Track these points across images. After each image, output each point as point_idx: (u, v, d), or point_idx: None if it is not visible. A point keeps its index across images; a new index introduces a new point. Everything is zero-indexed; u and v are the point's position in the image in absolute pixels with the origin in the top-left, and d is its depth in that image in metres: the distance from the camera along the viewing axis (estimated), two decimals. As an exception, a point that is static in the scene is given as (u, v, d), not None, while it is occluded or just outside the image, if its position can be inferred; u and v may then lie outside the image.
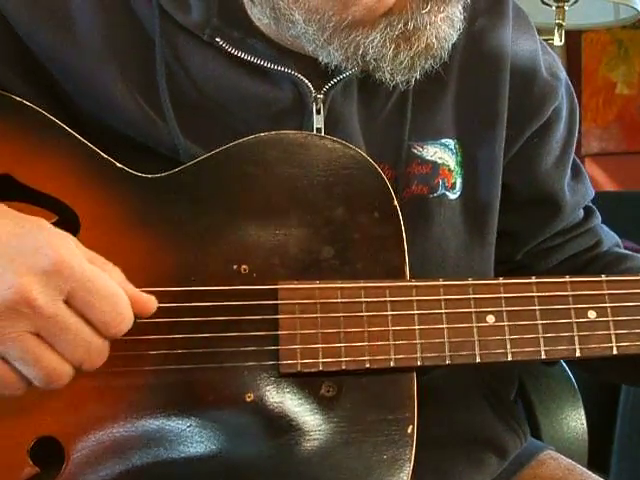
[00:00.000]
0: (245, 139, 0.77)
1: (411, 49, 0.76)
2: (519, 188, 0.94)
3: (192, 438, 0.72)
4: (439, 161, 0.87)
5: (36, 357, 0.63)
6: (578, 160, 1.01)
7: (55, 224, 0.74)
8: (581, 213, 1.00)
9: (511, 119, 0.90)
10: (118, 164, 0.77)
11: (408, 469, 0.71)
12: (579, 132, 0.98)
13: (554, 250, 0.98)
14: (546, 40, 2.01)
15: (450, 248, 0.88)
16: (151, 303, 0.69)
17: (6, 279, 0.61)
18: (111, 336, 0.65)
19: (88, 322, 0.64)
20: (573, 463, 0.97)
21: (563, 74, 0.96)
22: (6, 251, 0.61)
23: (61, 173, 0.76)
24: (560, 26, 1.94)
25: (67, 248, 0.63)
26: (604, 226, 1.02)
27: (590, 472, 0.96)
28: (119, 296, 0.65)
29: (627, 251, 1.01)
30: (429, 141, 0.87)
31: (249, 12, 0.82)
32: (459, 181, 0.89)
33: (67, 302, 0.63)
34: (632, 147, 3.23)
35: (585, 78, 3.30)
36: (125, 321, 0.65)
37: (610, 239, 1.01)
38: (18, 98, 0.78)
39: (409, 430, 0.72)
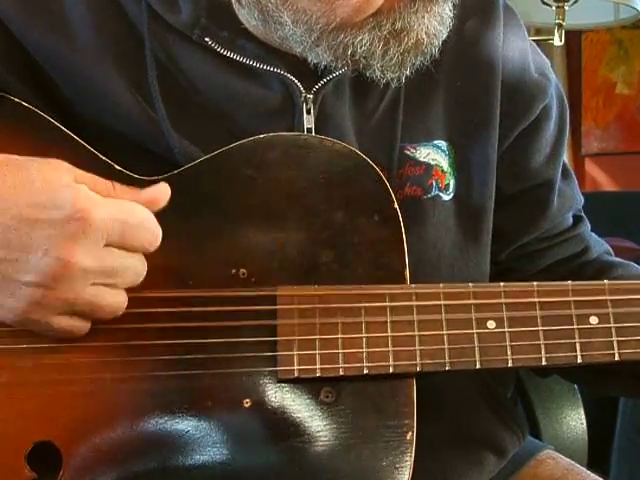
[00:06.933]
0: (243, 141, 0.76)
1: (400, 45, 0.76)
2: (506, 185, 0.93)
3: (191, 444, 0.71)
4: (432, 162, 0.87)
5: (99, 302, 0.69)
6: (569, 166, 1.01)
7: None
8: (569, 220, 0.99)
9: (501, 118, 0.90)
10: (117, 166, 0.76)
11: (407, 476, 0.71)
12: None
13: (540, 254, 0.97)
14: (546, 40, 2.01)
15: (445, 249, 0.88)
16: (164, 195, 0.72)
17: (51, 255, 0.65)
18: (151, 252, 0.70)
19: (130, 250, 0.69)
20: (572, 462, 0.97)
21: (553, 75, 0.96)
22: (41, 229, 0.65)
23: (59, 175, 0.76)
24: (560, 26, 1.94)
25: (91, 201, 0.67)
26: (594, 234, 1.02)
27: (589, 472, 0.95)
28: (146, 216, 0.70)
29: (617, 259, 1.00)
30: (421, 142, 0.87)
31: (237, 13, 0.82)
32: (452, 182, 0.89)
33: (108, 244, 0.67)
34: (632, 147, 3.22)
35: (585, 78, 3.30)
36: (159, 235, 0.70)
37: (599, 247, 1.01)
38: (16, 99, 0.78)
39: (408, 437, 0.72)
